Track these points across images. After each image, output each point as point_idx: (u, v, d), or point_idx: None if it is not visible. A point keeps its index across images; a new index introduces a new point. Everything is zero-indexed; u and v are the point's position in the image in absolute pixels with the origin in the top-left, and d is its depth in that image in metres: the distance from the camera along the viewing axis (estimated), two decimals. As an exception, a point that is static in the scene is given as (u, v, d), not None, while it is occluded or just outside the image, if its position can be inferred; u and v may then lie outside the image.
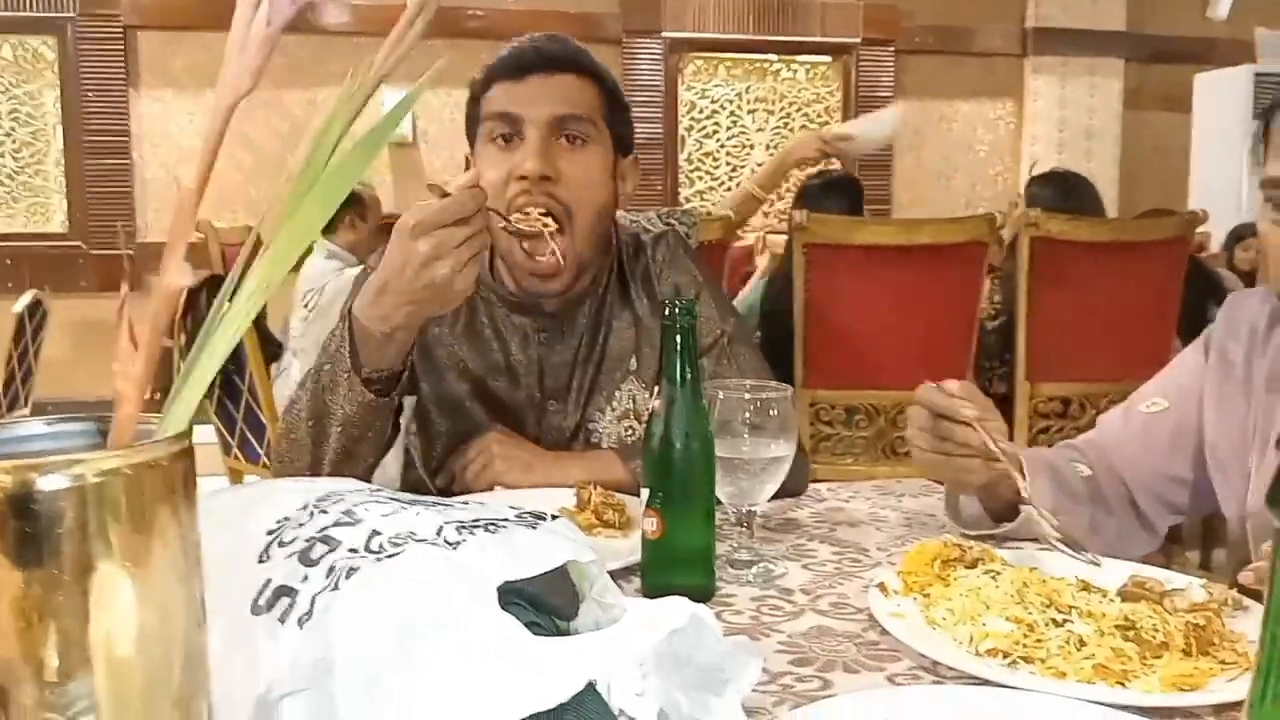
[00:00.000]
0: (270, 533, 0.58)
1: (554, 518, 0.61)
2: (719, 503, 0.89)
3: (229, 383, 2.80)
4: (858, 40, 5.85)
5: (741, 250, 4.47)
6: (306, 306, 3.34)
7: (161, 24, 5.17)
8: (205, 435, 2.92)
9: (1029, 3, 6.02)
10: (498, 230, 1.11)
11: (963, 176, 6.13)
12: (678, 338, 0.85)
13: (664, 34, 5.65)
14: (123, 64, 5.17)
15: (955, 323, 2.55)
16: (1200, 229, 3.04)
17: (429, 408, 1.27)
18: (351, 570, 0.52)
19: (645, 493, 0.85)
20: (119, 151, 5.23)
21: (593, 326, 1.25)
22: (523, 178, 1.13)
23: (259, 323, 2.87)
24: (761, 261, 4.19)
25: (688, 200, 5.90)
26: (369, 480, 1.15)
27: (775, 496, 0.94)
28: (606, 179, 1.20)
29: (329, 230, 3.92)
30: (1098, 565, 0.86)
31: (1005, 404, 2.81)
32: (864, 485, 1.25)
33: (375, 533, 0.55)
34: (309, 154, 0.49)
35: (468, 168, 1.21)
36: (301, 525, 0.58)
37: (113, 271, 5.26)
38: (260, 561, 0.57)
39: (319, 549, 0.55)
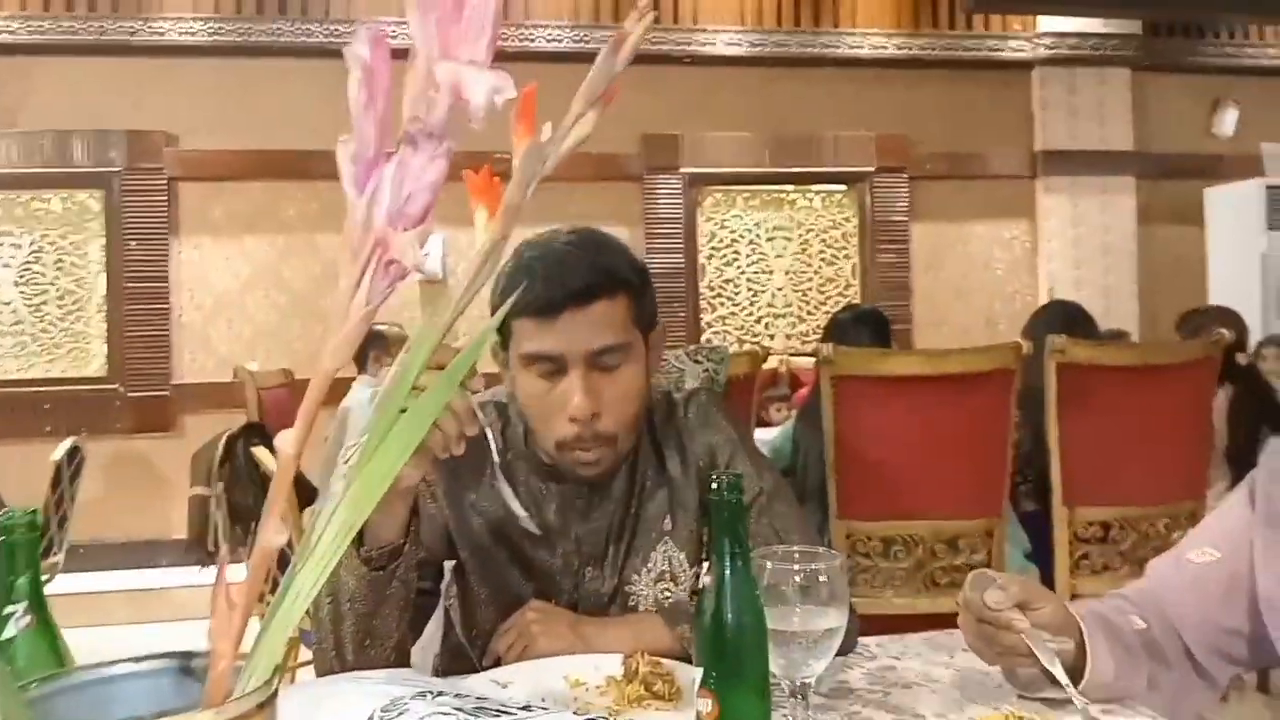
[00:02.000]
0: (338, 746, 0.59)
1: (618, 721, 0.61)
2: (773, 675, 0.88)
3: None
4: (871, 169, 6.02)
5: (766, 373, 4.51)
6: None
7: (201, 175, 5.42)
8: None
9: (1036, 127, 6.20)
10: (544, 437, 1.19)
11: (981, 295, 6.20)
12: (725, 514, 0.86)
13: (682, 170, 5.85)
14: (165, 214, 5.40)
15: (988, 450, 2.54)
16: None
17: (467, 573, 1.28)
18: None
19: (699, 673, 0.84)
20: (158, 297, 5.41)
21: (627, 491, 1.26)
22: (573, 419, 1.14)
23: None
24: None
25: (709, 326, 5.99)
26: (404, 657, 1.15)
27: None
28: (644, 380, 1.21)
29: (359, 369, 4.02)
30: None
31: (1036, 521, 2.77)
32: (914, 639, 1.23)
33: (445, 750, 0.55)
34: (392, 387, 0.51)
35: (496, 360, 1.24)
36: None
37: (149, 413, 5.36)
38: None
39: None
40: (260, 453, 2.57)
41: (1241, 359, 3.35)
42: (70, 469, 3.81)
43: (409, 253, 0.41)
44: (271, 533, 0.41)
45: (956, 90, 6.06)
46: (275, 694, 0.42)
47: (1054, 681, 0.93)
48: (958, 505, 2.54)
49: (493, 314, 1.15)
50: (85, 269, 5.47)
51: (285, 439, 0.40)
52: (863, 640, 1.21)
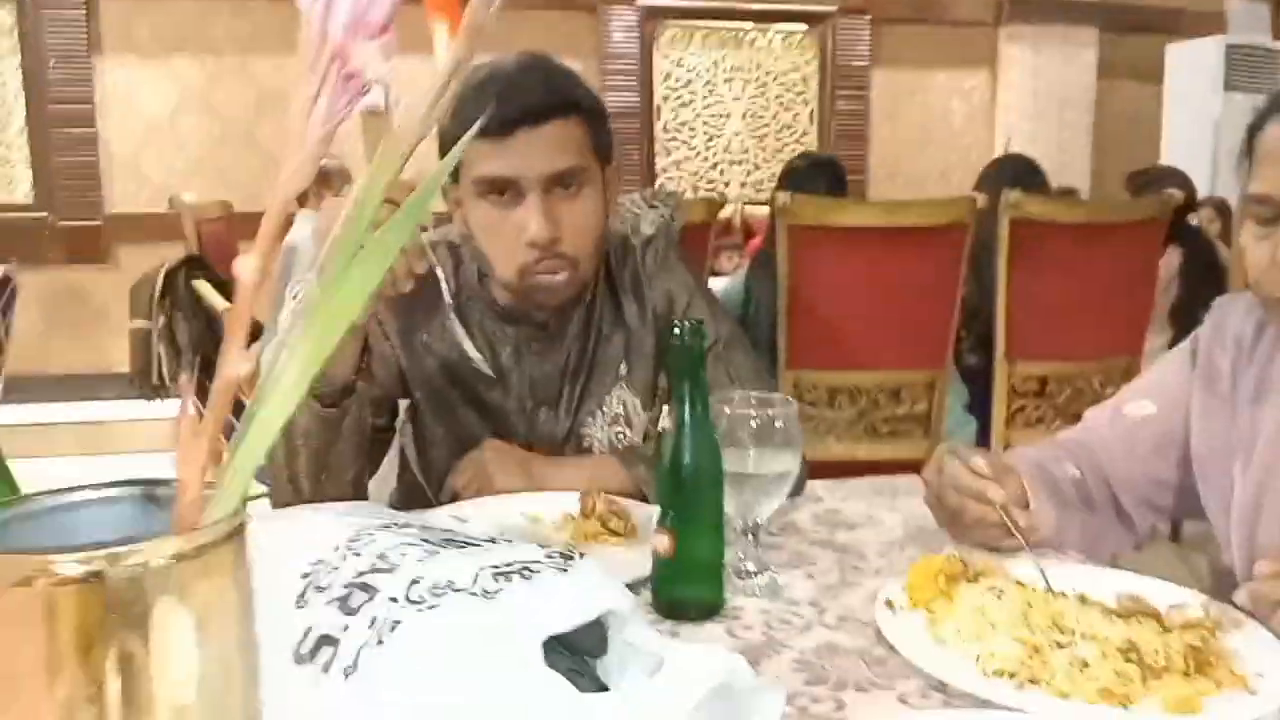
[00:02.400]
0: (305, 576, 0.59)
1: (582, 556, 0.62)
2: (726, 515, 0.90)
3: (209, 364, 2.79)
4: (834, 9, 5.82)
5: (721, 222, 4.47)
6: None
7: (123, -12, 5.05)
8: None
9: (1004, -31, 6.02)
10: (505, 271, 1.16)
11: (937, 147, 6.15)
12: (686, 360, 0.86)
13: (639, 1, 5.59)
14: (85, 32, 5.05)
15: (937, 304, 2.58)
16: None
17: (421, 413, 1.28)
18: (394, 624, 0.53)
19: (656, 511, 0.87)
20: (84, 121, 5.12)
21: (582, 335, 1.26)
22: (532, 244, 1.12)
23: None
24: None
25: (664, 171, 5.88)
26: (361, 490, 1.16)
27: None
28: (602, 208, 1.19)
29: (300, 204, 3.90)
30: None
31: (977, 375, 2.85)
32: (860, 483, 1.27)
33: (414, 581, 0.56)
34: (348, 220, 0.48)
35: (445, 198, 1.20)
36: (336, 569, 0.59)
37: (81, 242, 5.17)
38: (298, 607, 0.58)
39: (358, 596, 0.56)
40: (203, 286, 2.51)
41: (1191, 219, 3.41)
42: (2, 298, 3.68)
43: (372, 63, 0.38)
44: (233, 362, 0.39)
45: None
46: (244, 522, 0.42)
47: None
48: (903, 357, 2.59)
49: (441, 142, 1.10)
50: (2, 90, 5.14)
51: (246, 267, 0.38)
52: (810, 484, 1.25)
